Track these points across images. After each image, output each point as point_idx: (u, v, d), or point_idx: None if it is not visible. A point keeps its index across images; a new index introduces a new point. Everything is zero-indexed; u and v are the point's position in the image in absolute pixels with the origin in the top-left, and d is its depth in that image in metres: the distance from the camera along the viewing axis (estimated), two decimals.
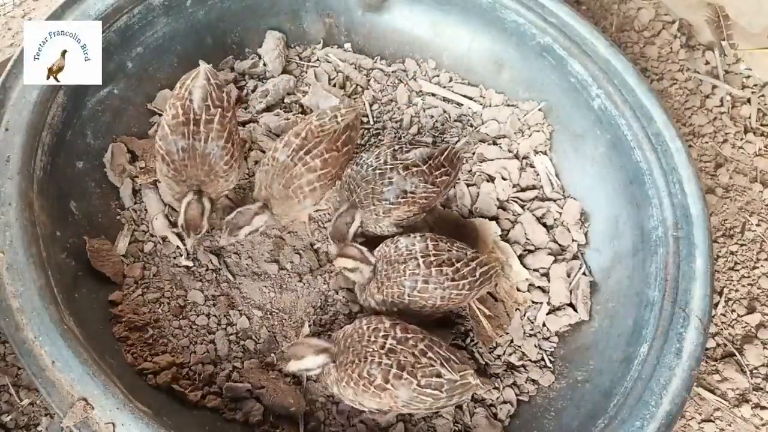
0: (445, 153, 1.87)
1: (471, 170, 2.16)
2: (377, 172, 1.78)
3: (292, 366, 1.57)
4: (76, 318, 1.48)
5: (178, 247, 1.87)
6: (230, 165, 1.74)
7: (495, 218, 2.05)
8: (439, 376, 1.53)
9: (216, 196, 1.79)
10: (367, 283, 1.73)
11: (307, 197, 1.78)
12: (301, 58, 2.32)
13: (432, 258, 1.66)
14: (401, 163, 1.79)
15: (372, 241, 1.82)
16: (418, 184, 1.79)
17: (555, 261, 1.99)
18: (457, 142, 2.18)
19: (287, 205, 1.78)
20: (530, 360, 1.87)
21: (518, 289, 1.94)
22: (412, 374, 1.51)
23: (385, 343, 1.53)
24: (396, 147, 1.86)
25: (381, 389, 1.50)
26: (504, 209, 2.09)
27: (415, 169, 1.79)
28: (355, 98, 2.25)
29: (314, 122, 1.80)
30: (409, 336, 1.56)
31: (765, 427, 1.93)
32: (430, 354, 1.54)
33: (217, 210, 1.86)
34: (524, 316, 1.93)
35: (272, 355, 1.78)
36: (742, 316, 2.12)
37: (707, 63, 2.69)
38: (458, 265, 1.68)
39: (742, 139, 2.51)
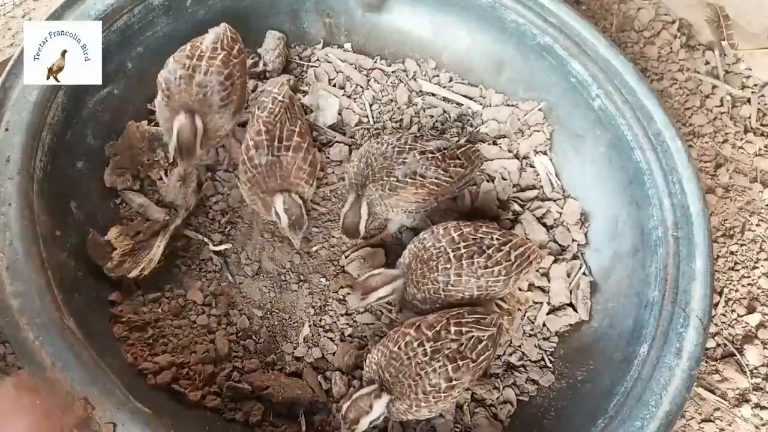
0: (463, 148, 1.89)
1: None
2: (396, 149, 1.80)
3: (364, 423, 1.50)
4: (76, 318, 1.48)
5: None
6: (225, 103, 1.76)
7: (495, 218, 2.05)
8: (480, 341, 1.57)
9: (209, 131, 1.78)
10: (405, 290, 1.71)
11: (301, 171, 1.77)
12: (301, 58, 2.32)
13: (462, 250, 1.65)
14: (420, 147, 1.81)
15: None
16: (429, 167, 1.79)
17: (555, 261, 1.99)
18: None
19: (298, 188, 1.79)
20: (530, 360, 1.87)
21: (520, 289, 1.94)
22: (464, 357, 1.53)
23: (425, 349, 1.52)
24: (418, 134, 1.89)
25: (450, 389, 1.51)
26: (504, 209, 2.08)
27: (429, 154, 1.81)
28: (354, 98, 2.25)
29: (262, 116, 1.78)
30: (437, 327, 1.56)
31: (765, 427, 1.93)
32: (463, 329, 1.56)
33: (209, 141, 1.84)
34: (524, 316, 1.93)
35: (272, 355, 1.79)
36: (742, 316, 2.12)
37: (707, 63, 2.69)
38: (489, 251, 1.67)
39: (742, 139, 2.51)
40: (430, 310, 1.69)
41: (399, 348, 1.54)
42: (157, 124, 1.94)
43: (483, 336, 1.58)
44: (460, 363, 1.52)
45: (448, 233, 1.69)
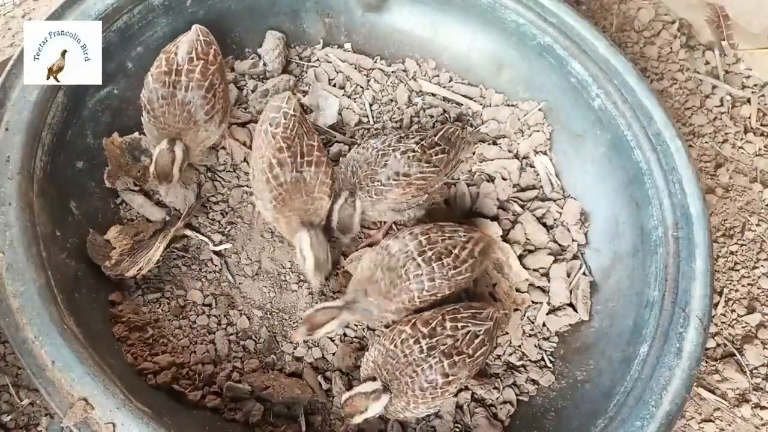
0: (440, 132, 1.89)
1: (471, 170, 2.16)
2: (379, 153, 1.80)
3: (358, 419, 1.53)
4: (76, 318, 1.48)
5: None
6: (210, 116, 1.76)
7: (495, 218, 2.05)
8: (477, 335, 1.57)
9: (195, 146, 1.80)
10: (376, 308, 1.66)
11: (324, 186, 1.77)
12: (301, 58, 2.32)
13: (429, 253, 1.64)
14: (402, 147, 1.81)
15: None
16: (411, 164, 1.79)
17: (555, 261, 1.98)
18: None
19: (319, 210, 1.77)
20: (530, 360, 1.87)
21: (518, 290, 1.94)
22: (460, 352, 1.54)
23: (420, 346, 1.52)
24: (402, 134, 1.88)
25: (447, 384, 1.52)
26: (504, 209, 2.08)
27: (410, 153, 1.80)
28: (354, 98, 2.25)
29: (278, 132, 1.72)
30: (432, 323, 1.56)
31: (765, 427, 1.93)
32: (460, 324, 1.57)
33: (194, 158, 1.85)
34: (524, 316, 1.93)
35: (272, 355, 1.79)
36: (742, 316, 2.12)
37: (707, 63, 2.69)
38: (456, 251, 1.66)
39: (742, 139, 2.51)
40: (397, 315, 1.68)
41: (395, 346, 1.54)
42: (134, 132, 1.93)
43: (479, 330, 1.58)
44: (456, 359, 1.52)
45: (414, 237, 1.67)
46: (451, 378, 1.52)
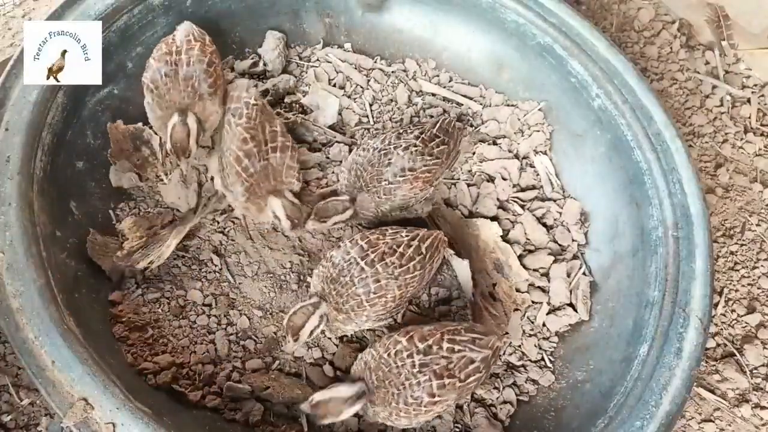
0: (437, 124, 1.90)
1: (471, 170, 2.16)
2: (381, 153, 1.81)
3: (327, 421, 1.51)
4: (76, 318, 1.48)
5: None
6: (214, 89, 1.79)
7: (495, 218, 2.05)
8: (473, 361, 1.54)
9: (204, 118, 1.80)
10: (326, 319, 1.65)
11: (291, 170, 1.81)
12: (301, 58, 2.32)
13: (372, 255, 1.62)
14: (403, 144, 1.82)
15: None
16: (415, 159, 1.80)
17: (555, 261, 1.98)
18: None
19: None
20: (530, 360, 1.87)
21: (517, 290, 1.94)
22: (452, 375, 1.50)
23: (413, 361, 1.50)
24: (401, 130, 1.88)
25: (432, 404, 1.49)
26: (504, 209, 2.08)
27: (413, 148, 1.81)
28: (354, 98, 2.25)
29: (241, 122, 1.75)
30: (430, 341, 1.53)
31: (765, 427, 1.93)
32: (456, 347, 1.53)
33: (206, 132, 1.86)
34: (524, 316, 1.93)
35: (272, 355, 1.78)
36: (742, 316, 2.12)
37: (707, 63, 2.69)
38: (401, 249, 1.64)
39: (742, 139, 2.51)
40: (357, 327, 1.68)
41: (389, 355, 1.52)
42: (139, 122, 1.94)
43: (476, 357, 1.54)
44: (447, 381, 1.49)
45: (355, 244, 1.65)
46: (437, 399, 1.49)
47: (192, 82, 1.75)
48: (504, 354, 1.87)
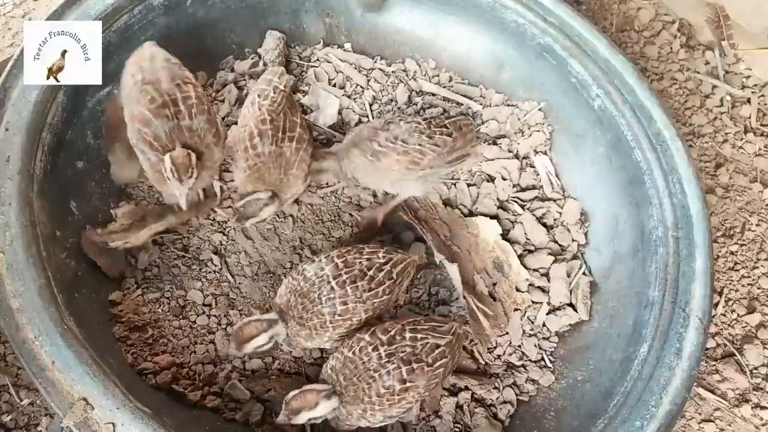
0: (452, 118, 1.90)
1: (471, 170, 2.16)
2: (387, 122, 1.83)
3: (304, 417, 1.49)
4: (76, 318, 1.48)
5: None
6: (218, 138, 1.72)
7: (495, 218, 2.05)
8: (438, 346, 1.56)
9: (212, 163, 1.74)
10: (276, 342, 1.63)
11: (303, 163, 1.78)
12: (301, 58, 2.32)
13: (344, 276, 1.60)
14: (409, 118, 1.83)
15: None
16: (412, 133, 1.79)
17: (555, 261, 1.98)
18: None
19: (292, 186, 1.79)
20: (530, 360, 1.87)
21: (518, 290, 1.94)
22: (419, 360, 1.52)
23: (379, 353, 1.51)
24: (415, 116, 1.90)
25: (403, 391, 1.50)
26: (504, 209, 2.08)
27: (415, 124, 1.81)
28: (354, 98, 2.25)
29: (265, 104, 1.74)
30: (392, 332, 1.55)
31: (765, 427, 1.93)
32: (419, 334, 1.56)
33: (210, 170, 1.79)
34: (524, 316, 1.93)
35: (271, 356, 1.78)
36: (742, 316, 2.12)
37: (707, 63, 2.69)
38: (371, 272, 1.62)
39: (742, 139, 2.51)
40: (318, 345, 1.66)
41: (354, 353, 1.53)
42: None
43: (440, 343, 1.57)
44: (415, 366, 1.51)
45: (331, 261, 1.63)
46: (408, 385, 1.50)
47: (197, 134, 1.66)
48: (504, 354, 1.87)
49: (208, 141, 1.69)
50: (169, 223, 1.82)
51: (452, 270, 1.87)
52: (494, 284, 1.94)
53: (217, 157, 1.75)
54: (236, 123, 2.07)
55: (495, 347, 1.88)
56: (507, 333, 1.89)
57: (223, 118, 2.10)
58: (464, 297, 1.85)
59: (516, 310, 1.92)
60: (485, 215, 2.05)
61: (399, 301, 1.88)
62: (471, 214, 2.08)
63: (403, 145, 1.78)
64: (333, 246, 1.96)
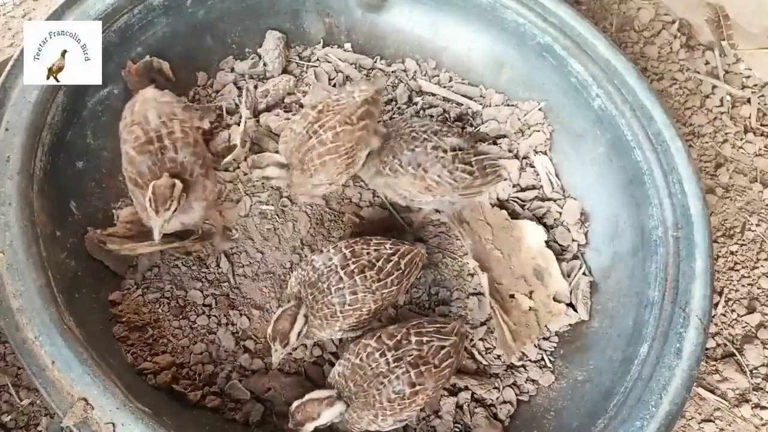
0: (481, 157, 1.88)
1: None
2: (413, 134, 1.81)
3: (310, 427, 1.49)
4: (76, 318, 1.48)
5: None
6: (204, 169, 1.69)
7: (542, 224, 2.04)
8: (442, 347, 1.58)
9: (205, 196, 1.70)
10: (303, 329, 1.61)
11: (318, 171, 1.72)
12: (301, 58, 2.32)
13: (352, 266, 1.61)
14: (435, 142, 1.80)
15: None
16: (435, 163, 1.78)
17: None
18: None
19: (302, 177, 1.75)
20: (530, 360, 1.87)
21: (555, 299, 1.93)
22: (427, 362, 1.54)
23: (386, 358, 1.52)
24: (446, 128, 1.88)
25: (414, 395, 1.51)
26: (504, 209, 2.08)
27: (440, 154, 1.80)
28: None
29: (332, 97, 1.76)
30: (397, 336, 1.56)
31: (765, 427, 1.93)
32: (424, 337, 1.57)
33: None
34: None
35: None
36: (742, 316, 2.12)
37: (707, 63, 2.69)
38: (380, 263, 1.64)
39: (742, 139, 2.51)
40: (330, 335, 1.67)
41: (361, 360, 1.54)
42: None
43: (445, 344, 1.59)
44: (423, 369, 1.52)
45: (339, 251, 1.64)
46: (418, 388, 1.51)
47: (182, 165, 1.64)
48: (504, 354, 1.87)
49: (195, 173, 1.66)
50: (154, 249, 1.79)
51: (483, 280, 1.87)
52: (531, 292, 1.93)
53: (209, 189, 1.72)
54: (238, 124, 2.08)
55: (495, 347, 1.88)
56: (535, 343, 1.87)
57: (223, 119, 2.10)
58: (491, 308, 1.85)
59: (550, 318, 1.89)
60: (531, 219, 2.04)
61: (399, 301, 1.88)
62: (517, 214, 2.07)
63: (422, 173, 1.78)
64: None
